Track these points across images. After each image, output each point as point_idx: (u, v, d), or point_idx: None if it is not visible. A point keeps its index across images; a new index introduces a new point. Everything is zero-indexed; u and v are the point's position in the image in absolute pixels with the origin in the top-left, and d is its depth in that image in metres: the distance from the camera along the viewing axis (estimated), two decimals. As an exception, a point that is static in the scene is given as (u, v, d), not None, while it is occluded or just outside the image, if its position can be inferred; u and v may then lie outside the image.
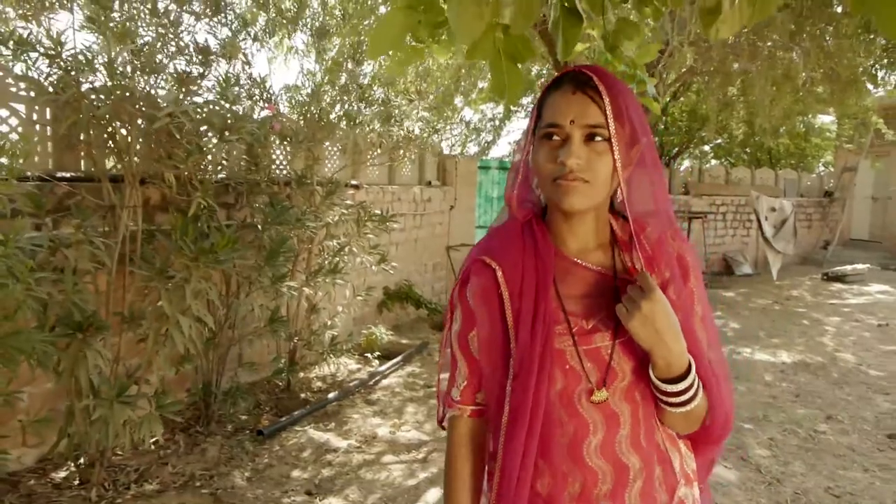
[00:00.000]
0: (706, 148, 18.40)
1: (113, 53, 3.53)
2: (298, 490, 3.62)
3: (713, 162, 18.57)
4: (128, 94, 3.33)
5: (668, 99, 9.63)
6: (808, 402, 5.29)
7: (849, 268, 12.35)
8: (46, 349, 2.83)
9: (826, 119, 16.54)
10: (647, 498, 1.20)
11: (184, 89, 3.48)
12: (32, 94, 3.79)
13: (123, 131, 3.48)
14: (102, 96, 3.47)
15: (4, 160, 2.71)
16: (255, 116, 4.25)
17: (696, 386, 1.16)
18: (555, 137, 1.16)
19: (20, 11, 3.66)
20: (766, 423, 4.77)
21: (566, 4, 1.39)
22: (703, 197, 12.81)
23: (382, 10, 6.10)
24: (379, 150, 5.70)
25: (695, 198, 12.66)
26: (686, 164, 17.19)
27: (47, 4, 3.57)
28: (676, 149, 15.80)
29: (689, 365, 1.15)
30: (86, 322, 3.12)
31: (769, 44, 6.40)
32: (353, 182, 6.18)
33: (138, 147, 3.62)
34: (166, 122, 3.18)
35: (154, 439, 4.03)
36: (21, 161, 2.78)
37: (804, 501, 3.60)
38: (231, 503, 3.44)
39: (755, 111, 8.33)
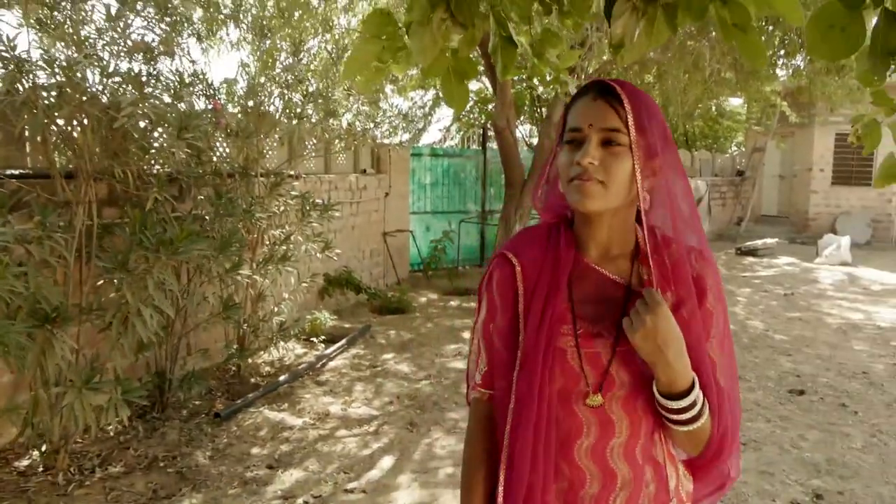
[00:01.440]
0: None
1: (65, 55, 3.66)
2: (260, 465, 3.86)
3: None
4: (86, 96, 3.46)
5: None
6: (720, 365, 5.83)
7: (759, 242, 13.22)
8: (19, 340, 2.99)
9: (736, 102, 17.48)
10: None
11: (138, 89, 3.63)
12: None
13: (79, 130, 3.60)
14: (54, 95, 3.61)
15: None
16: (198, 111, 4.40)
17: (699, 405, 1.18)
18: (575, 141, 1.22)
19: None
20: (683, 385, 5.27)
21: (503, 34, 1.70)
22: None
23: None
24: (319, 143, 5.90)
25: (617, 180, 13.28)
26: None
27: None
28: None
29: (693, 383, 1.17)
30: (52, 313, 3.28)
31: (680, 36, 6.92)
32: (292, 173, 6.37)
33: (93, 145, 3.75)
34: (125, 122, 3.34)
35: (115, 425, 4.20)
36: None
37: (715, 449, 4.07)
38: (197, 479, 3.66)
39: (669, 98, 8.89)
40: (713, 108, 15.42)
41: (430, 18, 1.53)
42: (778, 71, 8.87)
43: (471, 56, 1.79)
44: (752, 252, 12.95)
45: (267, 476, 3.72)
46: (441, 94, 1.86)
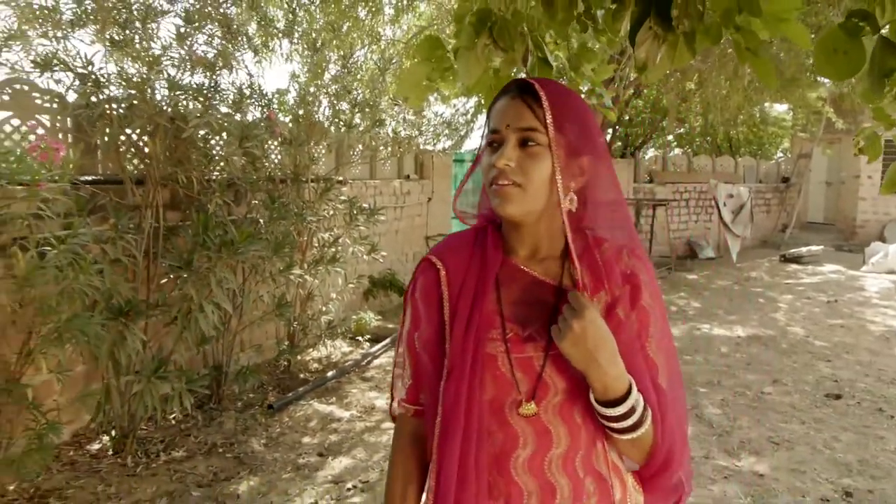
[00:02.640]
0: (670, 137, 19.10)
1: (135, 70, 3.97)
2: (311, 452, 4.11)
3: (676, 151, 19.29)
4: (156, 108, 3.76)
5: (630, 91, 10.22)
6: (757, 370, 5.92)
7: (804, 249, 13.09)
8: (98, 331, 3.28)
9: (782, 108, 17.31)
10: None
11: (203, 102, 3.92)
12: (55, 105, 4.23)
13: (148, 140, 3.90)
14: (124, 107, 3.93)
15: (44, 170, 3.15)
16: (256, 121, 4.68)
17: (640, 411, 1.11)
18: (495, 143, 1.18)
19: (40, 31, 4.05)
20: (719, 388, 5.38)
21: (539, 55, 1.90)
22: (666, 185, 13.46)
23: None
24: (366, 150, 6.16)
25: (659, 186, 13.31)
26: (651, 153, 17.88)
27: (64, 25, 3.97)
28: (641, 139, 16.46)
29: (630, 388, 1.11)
30: (126, 308, 3.58)
31: (720, 45, 7.01)
32: (340, 178, 6.64)
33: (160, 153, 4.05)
34: (192, 132, 3.62)
35: (177, 413, 4.50)
36: (71, 168, 3.23)
37: (748, 448, 4.20)
38: (254, 464, 3.92)
39: (709, 105, 8.95)
40: (756, 114, 15.32)
41: (476, 44, 1.74)
42: (820, 78, 8.86)
43: (511, 74, 2.00)
44: (797, 259, 12.83)
45: (318, 462, 3.97)
46: (484, 108, 2.07)
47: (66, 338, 3.11)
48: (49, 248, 3.05)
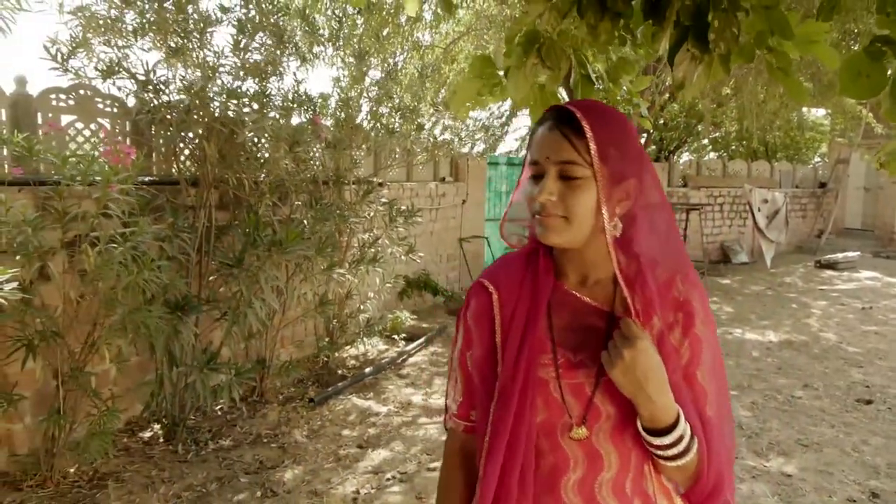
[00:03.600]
0: (705, 141, 19.00)
1: (191, 77, 4.19)
2: (351, 444, 4.29)
3: (712, 155, 19.19)
4: (213, 114, 3.97)
5: (666, 96, 10.27)
6: (788, 374, 5.96)
7: (840, 255, 12.96)
8: (158, 324, 3.50)
9: (820, 113, 17.13)
10: None
11: (259, 108, 4.12)
12: (115, 110, 4.47)
13: (205, 143, 4.11)
14: (181, 112, 4.14)
15: (109, 172, 3.37)
16: (304, 126, 4.88)
17: (686, 440, 1.12)
18: (535, 172, 1.19)
19: (104, 39, 4.28)
20: (749, 391, 5.45)
21: (583, 72, 2.04)
22: (701, 189, 13.43)
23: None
24: (403, 153, 6.34)
25: (693, 190, 13.29)
26: (686, 157, 17.82)
27: (126, 34, 4.19)
28: (676, 143, 16.43)
29: (678, 418, 1.11)
30: (182, 303, 3.79)
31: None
32: (380, 181, 6.83)
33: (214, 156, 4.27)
34: (247, 136, 3.83)
35: (223, 405, 4.71)
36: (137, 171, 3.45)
37: (777, 449, 4.28)
38: (297, 454, 4.11)
39: (745, 111, 8.97)
40: (794, 119, 15.20)
41: (524, 63, 1.89)
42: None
43: (555, 89, 2.14)
44: (832, 265, 12.72)
45: (358, 454, 4.14)
46: (531, 122, 2.22)
47: (130, 329, 3.32)
48: (115, 245, 3.27)
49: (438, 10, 7.01)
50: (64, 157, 3.20)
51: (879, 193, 16.24)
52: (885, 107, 1.68)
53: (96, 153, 3.30)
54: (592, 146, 1.14)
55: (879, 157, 1.97)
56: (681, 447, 1.11)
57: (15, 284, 2.32)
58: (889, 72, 1.61)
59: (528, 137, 1.28)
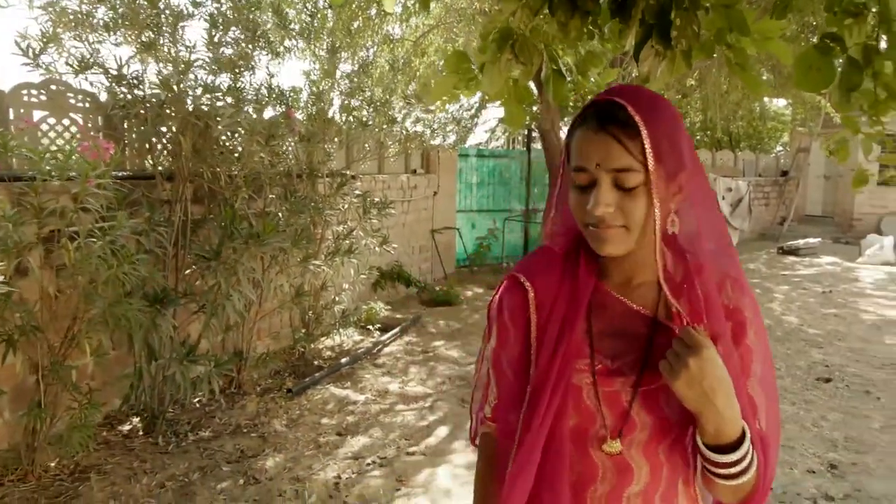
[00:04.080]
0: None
1: (164, 72, 4.21)
2: (330, 432, 4.37)
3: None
4: (188, 108, 4.00)
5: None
6: (753, 356, 6.17)
7: (801, 242, 13.34)
8: (138, 317, 3.53)
9: (782, 103, 17.52)
10: None
11: (235, 102, 4.16)
12: (87, 105, 4.47)
13: (180, 138, 4.14)
14: (156, 107, 4.17)
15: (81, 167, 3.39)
16: (278, 119, 4.92)
17: (749, 457, 1.04)
18: (583, 180, 1.08)
19: (74, 34, 4.27)
20: (716, 373, 5.63)
21: (554, 67, 2.14)
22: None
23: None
24: (375, 145, 6.41)
25: (659, 179, 13.54)
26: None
27: (98, 29, 4.20)
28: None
29: (743, 433, 1.04)
30: (161, 295, 3.83)
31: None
32: (352, 174, 6.89)
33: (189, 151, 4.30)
34: (222, 131, 3.87)
35: (202, 397, 4.75)
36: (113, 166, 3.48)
37: (741, 427, 4.45)
38: (278, 442, 4.18)
39: (708, 103, 9.20)
40: (756, 109, 15.54)
41: (499, 58, 1.98)
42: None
43: (527, 83, 2.24)
44: (794, 251, 13.08)
45: (337, 441, 4.23)
46: (504, 115, 2.31)
47: (111, 322, 3.36)
48: (94, 240, 3.30)
49: (410, 5, 7.09)
50: (41, 153, 3.22)
51: (839, 181, 16.70)
52: (834, 98, 1.80)
53: (74, 148, 3.31)
54: (648, 146, 1.03)
55: (829, 146, 2.10)
56: (744, 465, 1.04)
57: (0, 278, 2.35)
58: (837, 66, 1.74)
59: (566, 141, 1.08)
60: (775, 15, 1.80)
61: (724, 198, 12.40)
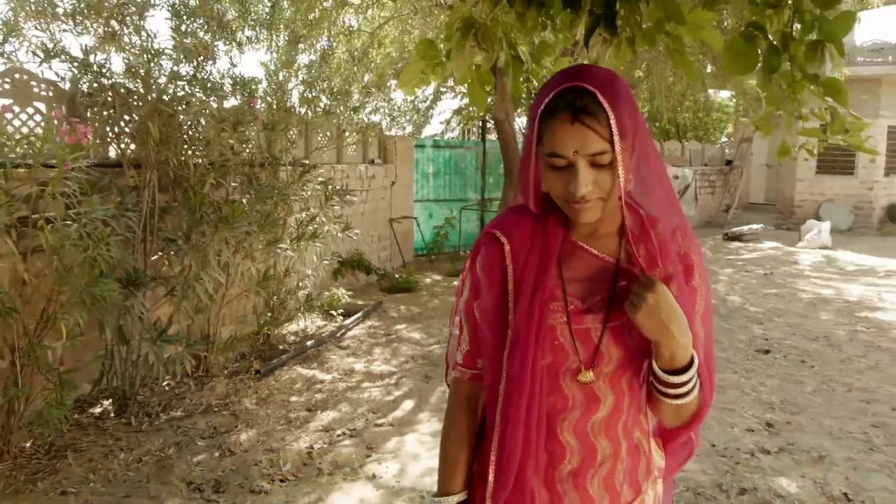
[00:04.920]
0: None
1: (129, 61, 4.30)
2: (300, 408, 4.54)
3: (627, 135, 20.01)
4: (164, 96, 4.11)
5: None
6: (698, 332, 6.53)
7: (745, 228, 13.89)
8: (115, 297, 3.64)
9: (725, 95, 18.14)
10: (609, 487, 1.27)
11: (204, 91, 4.28)
12: (51, 94, 4.53)
13: (148, 125, 4.23)
14: (123, 96, 4.26)
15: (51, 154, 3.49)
16: (244, 108, 5.04)
17: (695, 380, 1.20)
18: (559, 166, 1.18)
19: (35, 23, 4.33)
20: (664, 347, 5.96)
21: (513, 53, 2.36)
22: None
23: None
24: (340, 137, 6.56)
25: (610, 169, 13.95)
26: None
27: (61, 17, 4.27)
28: (593, 124, 17.10)
29: (692, 358, 1.19)
30: (133, 278, 3.94)
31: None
32: (311, 162, 7.02)
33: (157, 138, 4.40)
34: (191, 119, 3.99)
35: (182, 375, 4.85)
36: (88, 153, 3.58)
37: (687, 394, 4.77)
38: (249, 419, 4.33)
39: (654, 92, 9.58)
40: (702, 100, 16.10)
41: (463, 45, 2.19)
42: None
43: (489, 68, 2.45)
44: (738, 237, 13.62)
45: (307, 416, 4.40)
46: (468, 98, 2.52)
47: (88, 303, 3.46)
48: (68, 223, 3.40)
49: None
50: (20, 138, 3.31)
51: (780, 170, 17.38)
52: (759, 79, 2.06)
53: (50, 133, 3.40)
54: (615, 130, 1.15)
55: (755, 121, 2.36)
56: (690, 386, 1.20)
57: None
58: (759, 52, 1.99)
59: (535, 121, 1.13)
60: (706, 6, 2.05)
61: (671, 185, 12.89)
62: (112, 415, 4.40)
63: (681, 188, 13.12)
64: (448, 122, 15.07)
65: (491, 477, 1.28)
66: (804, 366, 5.45)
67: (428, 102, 12.71)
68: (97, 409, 4.47)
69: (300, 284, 6.23)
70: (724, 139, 21.39)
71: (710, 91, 15.20)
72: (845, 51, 1.97)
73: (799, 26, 1.90)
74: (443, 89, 13.49)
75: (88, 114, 4.55)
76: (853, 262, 10.96)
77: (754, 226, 14.06)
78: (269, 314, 5.85)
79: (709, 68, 9.36)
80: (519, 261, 1.29)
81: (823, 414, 4.42)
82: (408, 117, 7.93)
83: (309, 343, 5.92)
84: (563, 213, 1.27)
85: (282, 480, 3.55)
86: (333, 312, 6.98)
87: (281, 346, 5.99)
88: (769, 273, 9.93)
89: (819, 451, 3.88)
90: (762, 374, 5.20)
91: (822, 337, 6.34)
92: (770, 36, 1.97)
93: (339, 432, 4.13)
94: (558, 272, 1.27)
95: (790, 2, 1.89)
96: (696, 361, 1.21)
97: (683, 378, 1.19)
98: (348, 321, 6.74)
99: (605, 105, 1.14)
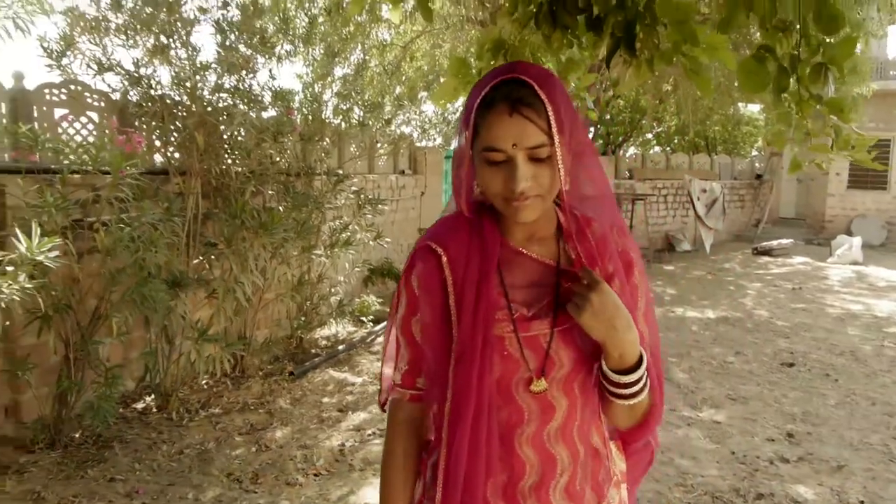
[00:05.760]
0: (649, 136, 19.87)
1: (176, 74, 4.55)
2: (332, 409, 4.72)
3: (656, 149, 20.06)
4: (200, 108, 4.35)
5: (610, 93, 10.93)
6: (723, 344, 6.60)
7: (775, 242, 13.86)
8: (162, 297, 3.87)
9: (755, 108, 18.11)
10: (572, 495, 1.23)
11: (247, 103, 4.52)
12: (103, 104, 4.80)
13: (195, 136, 4.47)
14: (170, 107, 4.50)
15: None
16: (285, 120, 5.26)
17: (644, 378, 1.18)
18: (497, 161, 1.14)
19: (90, 38, 4.59)
20: (687, 357, 6.06)
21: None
22: (646, 181, 14.17)
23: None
24: (372, 148, 6.77)
25: (638, 182, 14.01)
26: (631, 151, 18.61)
27: (116, 31, 4.53)
28: (622, 137, 17.19)
29: (641, 356, 1.17)
30: (178, 279, 4.17)
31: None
32: (343, 172, 7.25)
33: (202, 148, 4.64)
34: (234, 128, 4.21)
35: (221, 373, 5.06)
36: (137, 162, 3.81)
37: (709, 403, 4.88)
38: (283, 417, 4.52)
39: (681, 106, 9.66)
40: (732, 114, 16.09)
41: (493, 64, 2.36)
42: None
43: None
44: (768, 252, 13.59)
45: (339, 416, 4.58)
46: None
47: (139, 302, 3.69)
48: (122, 226, 3.64)
49: (410, 13, 7.47)
50: (73, 147, 3.55)
51: (811, 185, 17.30)
52: (769, 98, 2.20)
53: (106, 141, 3.65)
54: (553, 121, 1.12)
55: (767, 137, 2.48)
56: (641, 384, 1.18)
57: (57, 254, 2.69)
58: (770, 72, 2.13)
59: (471, 114, 1.16)
60: (720, 30, 2.19)
61: (699, 198, 12.89)
62: (154, 410, 4.62)
63: (708, 202, 13.13)
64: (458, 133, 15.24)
65: (439, 497, 1.20)
66: (828, 379, 5.50)
67: (458, 114, 12.88)
68: (140, 405, 4.70)
69: (332, 291, 6.44)
70: (754, 153, 21.30)
71: (740, 105, 15.22)
72: (878, 65, 2.10)
73: (804, 49, 2.04)
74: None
75: (136, 123, 4.83)
76: (884, 278, 10.90)
77: (784, 241, 14.01)
78: (302, 318, 6.05)
79: (736, 83, 9.44)
80: (458, 271, 1.23)
81: (845, 426, 4.49)
82: (438, 129, 8.09)
83: (340, 347, 6.11)
84: (498, 219, 1.26)
85: (315, 475, 3.73)
86: (364, 319, 7.18)
87: (313, 350, 6.18)
88: (797, 288, 9.93)
89: (838, 460, 3.95)
90: (785, 387, 5.27)
91: (847, 351, 6.37)
92: (779, 58, 2.11)
93: (369, 432, 4.30)
94: (499, 280, 1.23)
95: (798, 26, 2.03)
96: (645, 359, 1.19)
97: (634, 377, 1.17)
98: (378, 327, 6.93)
99: (543, 97, 1.11)
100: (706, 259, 12.84)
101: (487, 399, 1.17)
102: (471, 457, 1.17)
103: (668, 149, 18.86)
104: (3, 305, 2.61)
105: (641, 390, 1.18)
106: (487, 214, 1.26)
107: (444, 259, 1.24)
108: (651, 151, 17.01)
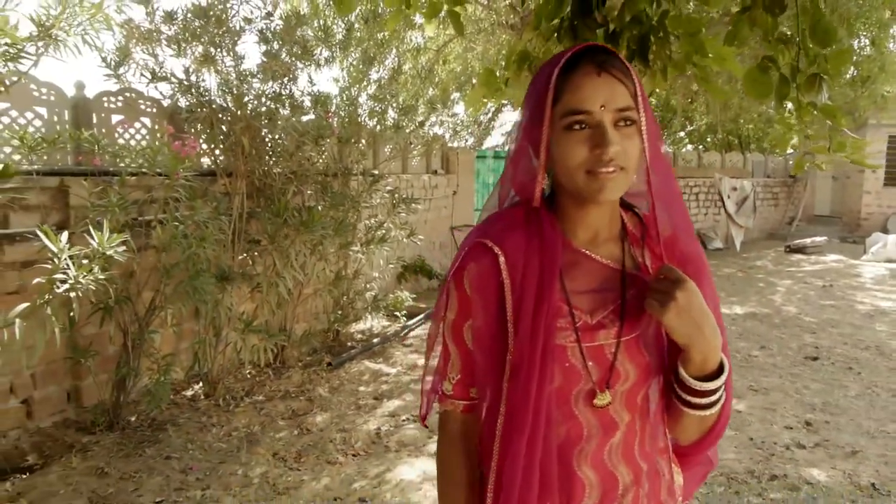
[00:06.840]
0: (681, 134, 19.84)
1: (232, 81, 4.85)
2: (368, 397, 4.98)
3: (688, 147, 20.02)
4: (253, 113, 4.65)
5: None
6: (749, 339, 6.73)
7: (808, 240, 13.81)
8: (213, 290, 4.16)
9: (788, 106, 17.97)
10: None
11: (291, 108, 4.80)
12: (154, 110, 5.12)
13: (241, 140, 4.76)
14: (217, 112, 4.80)
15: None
16: (324, 123, 5.54)
17: (724, 386, 1.10)
18: (582, 125, 1.05)
19: (143, 49, 4.91)
20: (713, 352, 6.19)
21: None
22: (678, 179, 14.20)
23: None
24: (402, 148, 7.03)
25: (669, 180, 14.07)
26: (664, 150, 18.59)
27: (168, 42, 4.84)
28: (653, 136, 17.22)
29: (722, 362, 1.09)
30: (226, 274, 4.47)
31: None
32: (378, 172, 7.52)
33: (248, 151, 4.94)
34: (278, 132, 4.50)
35: (252, 368, 5.37)
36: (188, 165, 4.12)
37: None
38: (323, 404, 4.80)
39: (710, 106, 9.76)
40: (766, 111, 16.03)
41: (519, 75, 2.59)
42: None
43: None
44: (801, 250, 13.55)
45: (374, 403, 4.84)
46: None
47: (192, 294, 3.99)
48: (176, 224, 3.94)
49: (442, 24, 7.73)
50: (138, 151, 3.86)
51: (847, 182, 17.15)
52: (774, 106, 2.39)
53: (163, 145, 3.95)
54: (639, 90, 1.07)
55: (771, 140, 2.66)
56: (720, 393, 1.09)
57: (124, 249, 2.98)
58: (773, 81, 2.32)
59: (552, 79, 1.08)
60: (727, 42, 2.39)
61: (729, 196, 12.94)
62: (202, 397, 4.93)
63: (739, 200, 13.17)
64: (509, 134, 15.49)
65: None
66: (851, 372, 5.61)
67: (490, 115, 13.13)
68: (189, 392, 5.01)
69: (368, 286, 6.71)
70: (788, 150, 21.11)
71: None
72: None
73: (804, 60, 2.23)
74: (504, 102, 13.91)
75: (185, 127, 5.15)
76: (918, 276, 10.85)
77: (818, 238, 13.96)
78: (339, 312, 6.33)
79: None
80: (517, 273, 1.13)
81: (863, 416, 4.62)
82: (470, 130, 8.33)
83: (375, 340, 6.38)
84: (560, 216, 1.17)
85: (354, 455, 3.99)
86: (397, 314, 7.44)
87: (349, 343, 6.46)
88: (828, 285, 9.95)
89: (854, 447, 4.09)
90: (807, 379, 5.40)
91: (873, 346, 6.45)
92: (781, 68, 2.30)
93: (403, 417, 4.56)
94: (560, 284, 1.13)
95: (797, 39, 2.22)
96: (728, 365, 1.11)
97: (715, 384, 1.08)
98: (411, 322, 7.19)
99: (628, 65, 1.08)
100: (737, 256, 12.87)
101: (545, 414, 1.09)
102: (525, 478, 1.09)
103: (701, 147, 18.82)
104: (79, 295, 2.90)
105: (719, 399, 1.11)
106: (546, 211, 1.17)
107: (502, 259, 1.14)
108: (683, 150, 17.01)
